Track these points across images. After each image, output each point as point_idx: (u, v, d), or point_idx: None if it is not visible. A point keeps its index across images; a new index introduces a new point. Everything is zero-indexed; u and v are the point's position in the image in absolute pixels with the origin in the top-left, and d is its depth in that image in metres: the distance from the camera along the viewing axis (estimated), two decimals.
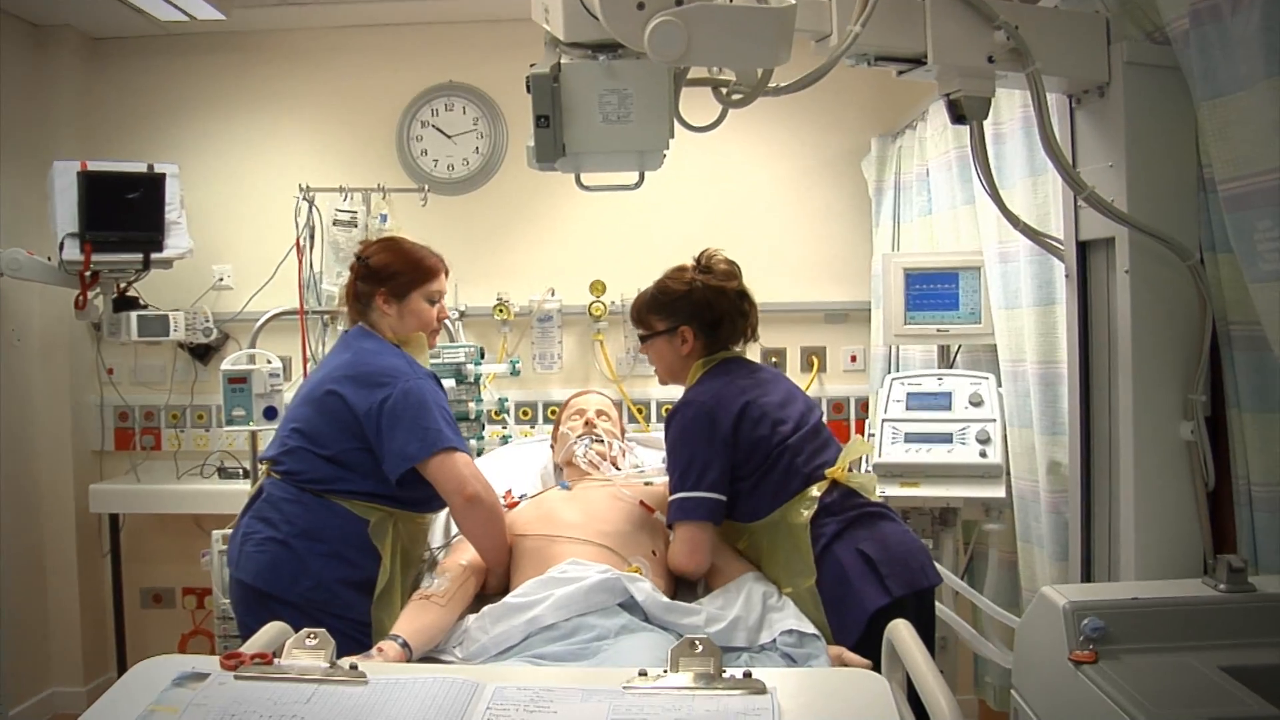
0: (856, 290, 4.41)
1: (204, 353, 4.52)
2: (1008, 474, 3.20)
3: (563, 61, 1.88)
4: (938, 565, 2.60)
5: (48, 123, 4.33)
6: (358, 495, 2.54)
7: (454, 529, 2.83)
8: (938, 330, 3.60)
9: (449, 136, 4.49)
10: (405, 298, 2.73)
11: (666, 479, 2.65)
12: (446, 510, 2.79)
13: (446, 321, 3.00)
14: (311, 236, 4.25)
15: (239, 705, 1.55)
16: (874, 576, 2.39)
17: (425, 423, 2.53)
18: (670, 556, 2.60)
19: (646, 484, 2.87)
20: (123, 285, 4.10)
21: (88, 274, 3.88)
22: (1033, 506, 3.11)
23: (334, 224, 4.26)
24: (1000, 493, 3.14)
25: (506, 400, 4.34)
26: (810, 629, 2.37)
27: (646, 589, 2.39)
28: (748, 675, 1.64)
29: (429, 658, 2.34)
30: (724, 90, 2.03)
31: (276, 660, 1.69)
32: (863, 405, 4.44)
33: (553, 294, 4.45)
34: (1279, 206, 1.78)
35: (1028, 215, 2.72)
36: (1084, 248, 2.39)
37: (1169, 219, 2.16)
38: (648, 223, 4.38)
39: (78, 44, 4.46)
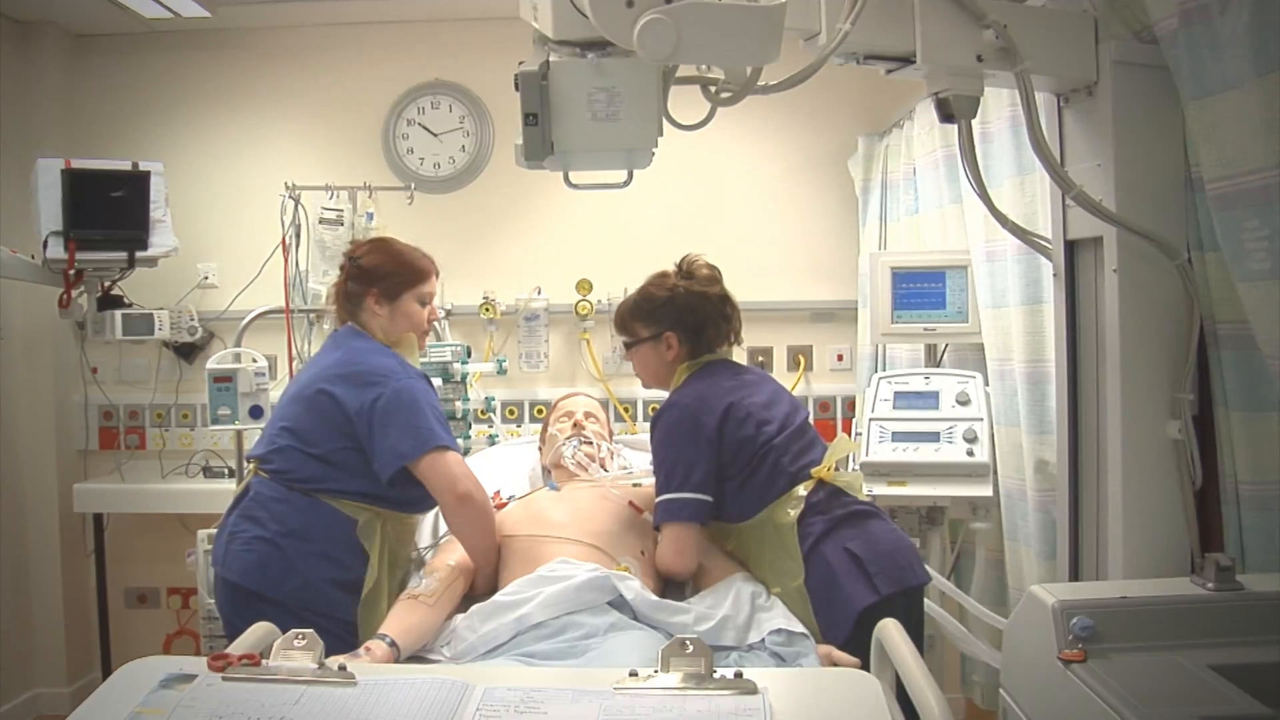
0: (843, 289, 4.41)
1: (189, 351, 4.50)
2: (995, 473, 3.20)
3: (551, 59, 1.88)
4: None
5: (31, 120, 4.30)
6: (347, 495, 2.53)
7: (442, 529, 2.82)
8: (925, 329, 3.60)
9: (435, 135, 4.48)
10: (396, 299, 2.72)
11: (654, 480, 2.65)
12: (435, 511, 2.78)
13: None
14: (297, 235, 4.24)
15: (227, 707, 1.54)
16: (862, 575, 2.39)
17: (417, 422, 2.52)
18: (658, 558, 2.60)
19: (635, 485, 2.86)
20: (107, 284, 4.07)
21: (72, 272, 3.85)
22: (1020, 505, 3.12)
23: (320, 222, 4.25)
24: (987, 491, 3.15)
25: (493, 399, 4.33)
26: (799, 628, 2.37)
27: (635, 587, 2.38)
28: (739, 675, 1.64)
29: (417, 657, 2.33)
30: (713, 88, 2.02)
31: (265, 661, 1.68)
32: (849, 404, 4.45)
33: (539, 293, 4.44)
34: (1267, 205, 1.78)
35: (1015, 214, 2.72)
36: (1072, 247, 2.39)
37: (1157, 218, 2.16)
38: (634, 221, 4.37)
39: (62, 41, 4.43)
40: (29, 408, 4.35)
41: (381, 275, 2.72)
